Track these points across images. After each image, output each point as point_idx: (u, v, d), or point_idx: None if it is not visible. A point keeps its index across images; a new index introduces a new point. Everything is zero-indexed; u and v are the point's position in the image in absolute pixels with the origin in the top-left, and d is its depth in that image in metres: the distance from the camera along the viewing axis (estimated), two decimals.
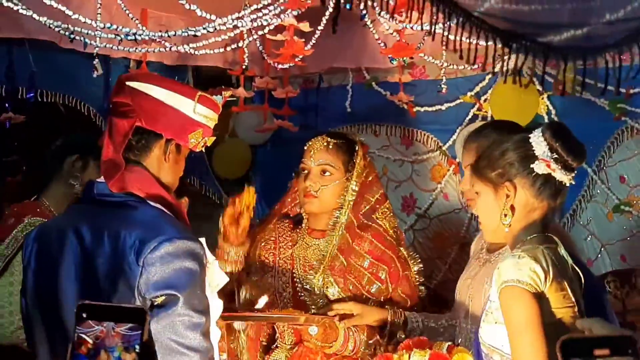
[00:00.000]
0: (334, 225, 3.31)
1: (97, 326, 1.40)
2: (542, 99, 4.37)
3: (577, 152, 2.48)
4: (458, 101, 4.72)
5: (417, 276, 3.36)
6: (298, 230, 3.47)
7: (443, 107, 4.78)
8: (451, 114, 4.78)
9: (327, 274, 3.27)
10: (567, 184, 2.50)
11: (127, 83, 2.51)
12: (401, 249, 3.37)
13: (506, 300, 2.39)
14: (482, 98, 4.63)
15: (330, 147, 3.32)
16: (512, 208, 2.51)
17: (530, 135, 2.50)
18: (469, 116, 4.71)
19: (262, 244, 3.46)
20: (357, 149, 3.35)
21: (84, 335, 1.39)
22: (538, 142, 2.47)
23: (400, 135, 5.05)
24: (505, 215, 2.52)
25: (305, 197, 3.32)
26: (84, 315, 1.40)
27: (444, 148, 4.86)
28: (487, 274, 2.82)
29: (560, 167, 2.46)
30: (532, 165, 2.48)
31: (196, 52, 4.01)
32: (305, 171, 3.33)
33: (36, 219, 3.47)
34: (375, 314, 3.18)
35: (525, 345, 2.34)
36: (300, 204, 3.43)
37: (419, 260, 3.41)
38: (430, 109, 4.83)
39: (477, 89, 4.65)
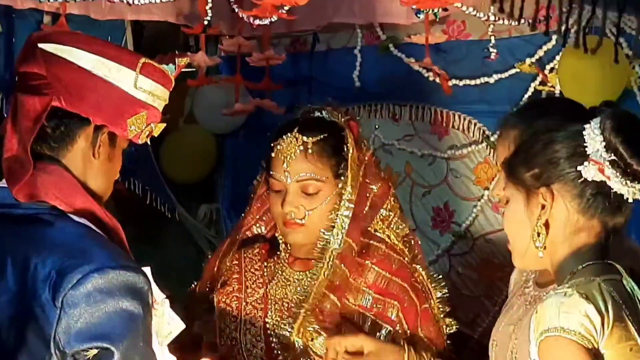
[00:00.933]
0: (321, 252, 3.25)
1: None
2: (633, 68, 4.37)
3: None
4: (513, 71, 4.74)
5: (440, 306, 3.35)
6: (275, 260, 3.42)
7: (491, 80, 4.80)
8: (503, 89, 4.80)
9: (309, 322, 3.22)
10: (631, 199, 2.45)
11: (40, 46, 2.51)
12: (417, 267, 3.35)
13: (547, 356, 2.38)
14: (547, 67, 4.64)
15: (310, 151, 3.23)
16: (547, 224, 2.49)
17: (585, 126, 2.46)
18: (529, 92, 4.73)
19: (221, 285, 3.43)
20: (346, 137, 3.29)
21: None
22: (592, 136, 2.40)
23: (429, 121, 5.08)
24: (539, 235, 2.50)
25: (287, 226, 3.26)
26: None
27: (492, 139, 4.86)
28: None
29: (619, 173, 2.41)
30: (579, 168, 2.45)
31: (137, 2, 4.02)
32: (280, 191, 3.27)
33: None
34: (394, 355, 3.17)
35: None
36: (279, 230, 3.38)
37: (443, 283, 3.39)
38: (472, 82, 4.85)
39: (540, 53, 4.66)
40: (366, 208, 3.32)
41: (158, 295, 2.51)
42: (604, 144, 2.39)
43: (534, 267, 2.69)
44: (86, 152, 2.53)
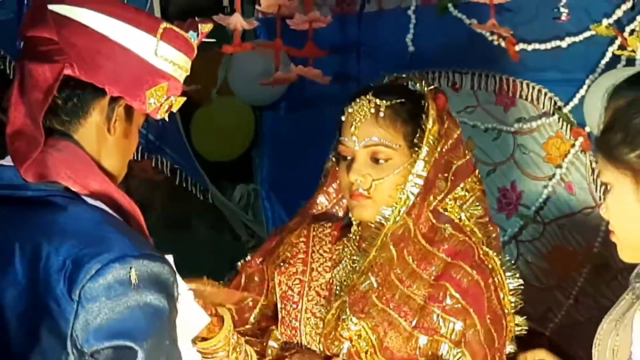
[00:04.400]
0: (378, 230, 3.24)
1: None
2: None
3: None
4: (588, 34, 4.71)
5: (512, 300, 3.32)
6: (344, 242, 3.42)
7: (564, 44, 4.78)
8: (577, 54, 4.79)
9: (344, 302, 3.24)
10: None
11: (50, 7, 2.50)
12: (488, 251, 3.30)
13: None
14: (627, 29, 4.61)
15: (382, 114, 3.23)
16: None
17: None
18: (606, 58, 4.72)
19: (283, 263, 3.44)
20: (426, 106, 3.28)
21: None
22: None
23: (494, 90, 5.08)
24: None
25: (353, 198, 3.26)
26: None
27: (565, 110, 4.85)
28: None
29: None
30: None
31: None
32: (348, 158, 3.27)
33: None
34: None
35: None
36: (348, 206, 3.39)
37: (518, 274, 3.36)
38: (542, 46, 4.83)
39: (619, 13, 4.63)
40: (442, 187, 3.29)
41: (182, 287, 2.51)
42: None
43: None
44: (101, 127, 2.52)
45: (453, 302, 3.17)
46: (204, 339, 3.07)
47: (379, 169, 3.22)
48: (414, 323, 3.19)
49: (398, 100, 3.26)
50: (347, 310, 3.21)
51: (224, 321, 3.13)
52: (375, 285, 3.22)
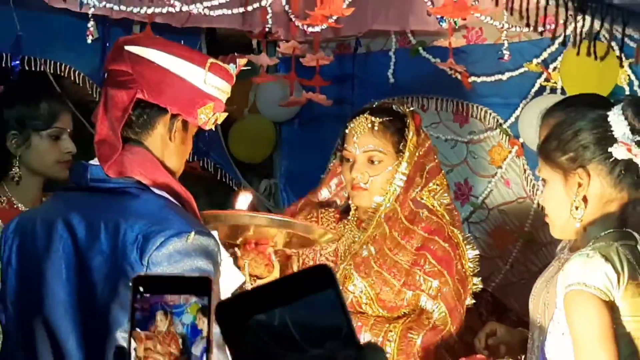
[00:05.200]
0: (373, 213, 3.31)
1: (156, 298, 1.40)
2: (623, 67, 4.30)
3: None
4: (522, 70, 4.66)
5: (471, 265, 3.33)
6: (345, 222, 3.48)
7: (504, 77, 4.72)
8: (514, 85, 4.74)
9: (349, 265, 3.30)
10: None
11: (126, 48, 2.49)
12: (453, 229, 3.33)
13: (570, 307, 2.36)
14: (551, 66, 4.57)
15: (376, 128, 3.30)
16: (585, 199, 2.48)
17: (609, 113, 2.46)
18: (535, 88, 4.67)
19: None
20: (407, 123, 3.33)
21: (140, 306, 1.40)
22: (618, 121, 2.44)
23: (452, 111, 5.02)
24: (577, 208, 2.50)
25: (354, 189, 3.34)
26: (141, 289, 1.38)
27: (505, 126, 4.82)
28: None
29: None
30: (610, 149, 2.45)
31: (210, 13, 3.99)
32: (350, 160, 3.33)
33: None
34: None
35: None
36: (349, 195, 3.45)
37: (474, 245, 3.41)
38: (488, 79, 4.78)
39: (545, 55, 4.59)
40: (418, 182, 3.34)
41: (223, 254, 2.49)
42: (629, 127, 2.42)
43: (571, 237, 2.66)
44: (164, 136, 2.52)
45: (431, 266, 3.23)
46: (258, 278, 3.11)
47: (374, 168, 3.30)
48: (402, 282, 3.24)
49: (387, 118, 3.34)
50: (352, 271, 3.29)
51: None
52: (373, 253, 3.29)
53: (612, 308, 2.33)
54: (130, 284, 1.36)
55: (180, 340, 1.36)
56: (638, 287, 2.36)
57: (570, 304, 2.35)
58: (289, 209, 3.70)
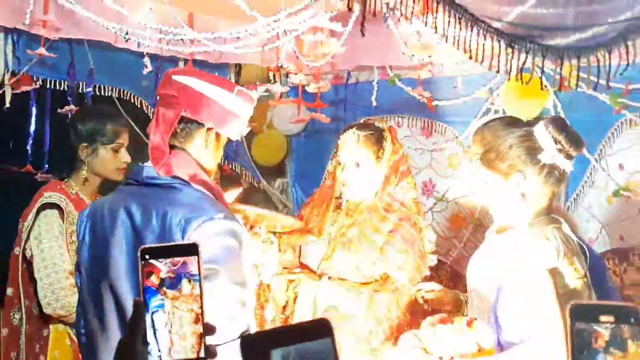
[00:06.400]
0: (357, 205, 3.32)
1: (160, 263, 1.42)
2: (548, 92, 4.29)
3: (577, 142, 2.48)
4: (473, 96, 4.65)
5: (428, 244, 3.31)
6: (339, 211, 3.46)
7: (459, 101, 4.71)
8: (467, 107, 4.71)
9: (339, 243, 3.28)
10: (569, 171, 2.50)
11: (174, 77, 2.48)
12: (417, 217, 3.30)
13: (528, 275, 2.37)
14: (495, 93, 4.56)
15: (360, 140, 3.29)
16: (523, 195, 2.49)
17: (534, 129, 2.48)
18: (483, 109, 4.65)
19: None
20: (386, 136, 3.32)
21: (153, 270, 1.42)
22: (542, 135, 2.46)
23: (420, 127, 5.01)
24: (518, 201, 2.51)
25: (344, 186, 3.34)
26: (147, 256, 1.42)
27: (459, 138, 4.81)
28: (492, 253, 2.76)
29: (563, 156, 2.46)
30: (539, 157, 2.46)
31: (237, 52, 3.99)
32: (342, 164, 3.33)
33: (53, 194, 3.47)
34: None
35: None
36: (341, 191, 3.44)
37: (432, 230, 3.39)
38: (447, 103, 4.76)
39: (490, 84, 4.58)
40: (393, 180, 3.31)
41: (247, 237, 2.46)
42: (552, 139, 2.44)
43: (510, 223, 2.63)
44: (201, 144, 2.50)
45: (400, 245, 3.17)
46: None
47: (359, 170, 3.29)
48: (376, 256, 3.21)
49: (370, 132, 3.31)
50: (340, 247, 3.28)
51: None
52: (356, 234, 3.27)
53: (555, 273, 2.35)
54: (138, 253, 1.38)
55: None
56: (570, 259, 2.37)
57: (527, 273, 2.37)
58: (310, 198, 3.68)
